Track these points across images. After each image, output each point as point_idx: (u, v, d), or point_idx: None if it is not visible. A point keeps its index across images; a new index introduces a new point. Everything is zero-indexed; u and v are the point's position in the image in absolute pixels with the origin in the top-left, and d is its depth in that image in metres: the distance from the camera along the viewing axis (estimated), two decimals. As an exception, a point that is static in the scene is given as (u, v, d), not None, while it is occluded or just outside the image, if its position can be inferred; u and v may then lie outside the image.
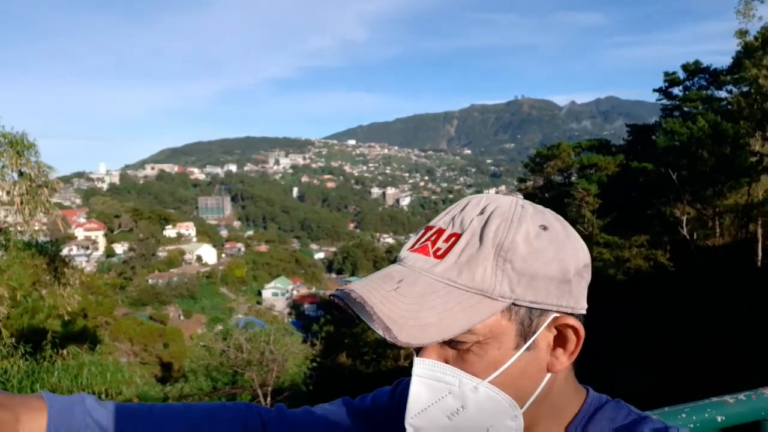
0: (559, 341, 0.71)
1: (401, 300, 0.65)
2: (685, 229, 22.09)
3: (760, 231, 19.77)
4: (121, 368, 9.81)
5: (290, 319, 53.53)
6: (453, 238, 0.69)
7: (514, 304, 0.66)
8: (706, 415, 0.96)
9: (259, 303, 68.11)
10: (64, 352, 9.10)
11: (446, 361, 0.67)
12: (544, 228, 0.69)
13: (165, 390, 16.52)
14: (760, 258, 19.25)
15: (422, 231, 0.74)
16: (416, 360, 0.68)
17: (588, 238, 24.86)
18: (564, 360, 0.71)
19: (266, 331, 17.18)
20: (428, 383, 0.67)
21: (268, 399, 15.44)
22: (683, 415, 0.95)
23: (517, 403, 0.68)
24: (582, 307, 0.71)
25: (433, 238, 0.71)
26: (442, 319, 0.63)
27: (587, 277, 0.73)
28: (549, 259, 0.67)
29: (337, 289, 0.70)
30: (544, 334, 0.69)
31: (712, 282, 18.61)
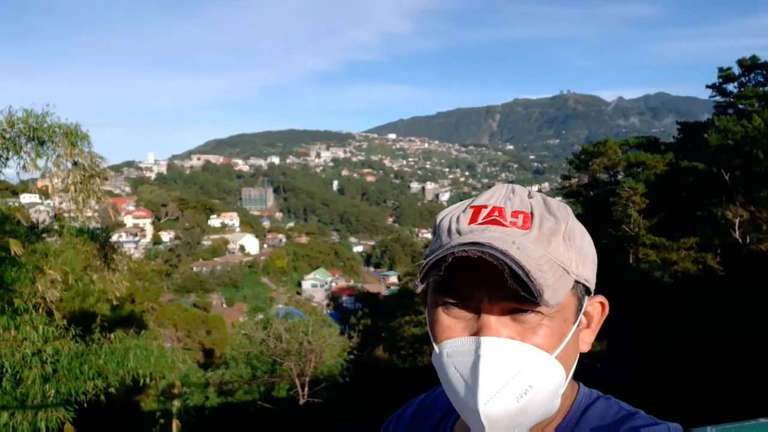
0: (586, 322, 0.74)
1: (529, 260, 0.64)
2: (737, 232, 21.19)
3: (819, 236, 18.81)
4: (165, 353, 10.08)
5: (328, 311, 54.09)
6: (521, 215, 0.70)
7: (576, 280, 0.69)
8: None
9: (298, 293, 69.08)
10: (111, 335, 9.40)
11: (512, 338, 0.66)
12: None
13: (206, 376, 16.95)
14: (818, 264, 18.32)
15: (470, 209, 0.73)
16: (486, 340, 0.65)
17: (634, 239, 24.17)
18: (588, 339, 0.75)
19: (305, 321, 17.41)
20: (497, 362, 0.65)
21: (306, 389, 15.66)
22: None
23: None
24: None
25: (496, 214, 0.71)
26: (555, 284, 0.64)
27: None
28: (589, 241, 0.73)
29: (458, 244, 0.66)
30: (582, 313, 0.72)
31: (766, 288, 17.83)
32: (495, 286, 0.65)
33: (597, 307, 0.75)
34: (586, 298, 0.73)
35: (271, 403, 15.18)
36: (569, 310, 0.69)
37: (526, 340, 0.66)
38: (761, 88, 25.85)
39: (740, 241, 21.20)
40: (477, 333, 0.67)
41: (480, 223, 0.70)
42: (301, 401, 15.41)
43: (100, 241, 11.23)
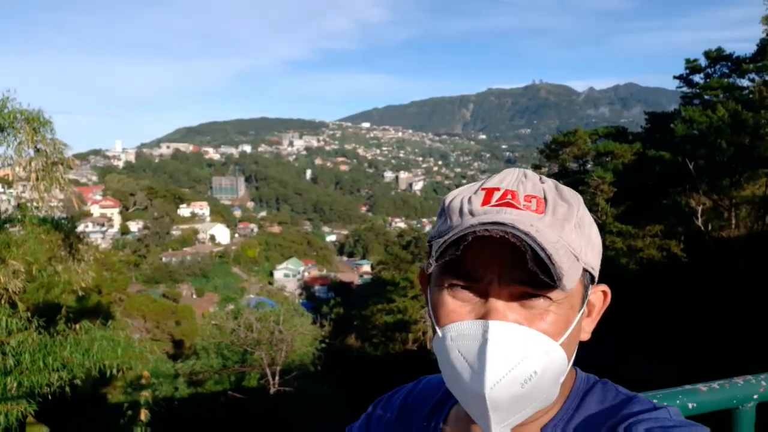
0: (587, 311, 0.74)
1: (549, 244, 0.63)
2: (700, 219, 21.81)
3: (777, 223, 19.47)
4: (132, 344, 9.94)
5: (301, 300, 53.93)
6: (534, 199, 0.69)
7: (584, 268, 0.69)
8: (678, 401, 0.96)
9: (270, 283, 68.65)
10: (77, 326, 9.23)
11: (519, 323, 0.66)
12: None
13: (176, 367, 16.77)
14: (776, 251, 18.97)
15: (482, 191, 0.71)
16: (493, 323, 0.64)
17: (601, 227, 24.65)
18: (588, 328, 0.74)
19: (276, 311, 17.34)
20: (504, 347, 0.64)
21: (277, 378, 15.63)
22: (654, 401, 0.96)
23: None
24: None
25: (509, 197, 0.69)
26: (569, 269, 0.64)
27: None
28: (597, 230, 0.73)
29: (480, 223, 0.65)
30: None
31: (726, 274, 18.40)
32: (506, 269, 0.65)
33: (599, 296, 0.75)
34: (591, 286, 0.73)
35: (242, 393, 15.12)
36: (576, 297, 0.68)
37: (534, 325, 0.65)
38: (726, 80, 26.47)
39: (703, 228, 21.82)
40: (484, 317, 0.66)
41: (494, 205, 0.69)
42: (272, 390, 15.38)
43: (65, 231, 10.97)
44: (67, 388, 8.51)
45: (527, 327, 0.65)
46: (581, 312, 0.70)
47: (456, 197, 0.73)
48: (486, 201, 0.69)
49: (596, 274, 0.72)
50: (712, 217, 23.24)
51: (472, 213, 0.69)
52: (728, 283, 17.80)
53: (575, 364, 0.75)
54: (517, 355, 0.64)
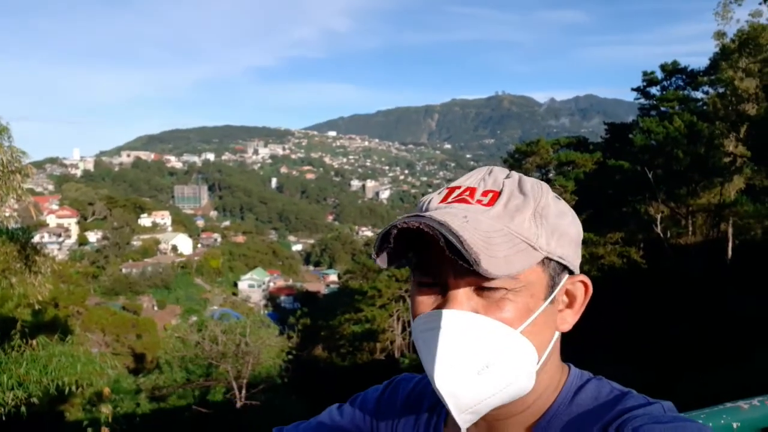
0: (568, 302, 0.75)
1: (476, 231, 0.65)
2: (659, 227, 22.47)
3: (730, 230, 20.19)
4: (92, 359, 9.61)
5: (266, 311, 53.22)
6: (491, 193, 0.72)
7: (547, 257, 0.70)
8: (722, 421, 0.96)
9: (235, 294, 67.53)
10: (34, 342, 8.88)
11: (476, 312, 0.67)
12: (558, 198, 0.76)
13: (138, 381, 16.27)
14: (730, 257, 19.68)
15: (445, 190, 0.75)
16: (446, 312, 0.66)
17: (564, 235, 25.17)
18: (570, 319, 0.74)
19: (242, 323, 17.03)
20: (461, 336, 0.66)
21: (243, 391, 15.33)
22: (699, 422, 0.96)
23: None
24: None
25: (467, 193, 0.73)
26: (507, 256, 0.65)
27: None
28: (569, 221, 0.73)
29: (404, 216, 0.68)
30: (561, 291, 0.73)
31: (684, 280, 18.99)
32: (459, 263, 0.66)
33: (579, 287, 0.75)
34: (565, 276, 0.73)
35: (207, 408, 14.76)
36: (537, 286, 0.69)
37: (490, 314, 0.67)
38: (682, 92, 27.49)
39: (662, 235, 22.49)
40: (442, 306, 0.68)
41: (450, 202, 0.72)
42: (239, 404, 15.07)
43: (21, 242, 10.61)
44: (23, 408, 8.15)
45: (482, 315, 0.67)
46: (549, 301, 0.70)
47: (425, 197, 0.78)
48: (444, 198, 0.73)
49: (570, 263, 0.73)
50: (671, 224, 23.98)
51: (427, 210, 0.73)
52: (685, 288, 18.38)
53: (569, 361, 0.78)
54: (471, 342, 0.65)
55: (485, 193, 0.72)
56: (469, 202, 0.71)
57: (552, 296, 0.71)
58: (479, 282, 0.66)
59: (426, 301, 0.71)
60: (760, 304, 14.46)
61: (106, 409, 10.62)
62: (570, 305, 0.75)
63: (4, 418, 7.78)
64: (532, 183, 0.73)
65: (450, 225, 0.64)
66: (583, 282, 0.75)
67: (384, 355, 25.23)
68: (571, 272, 0.74)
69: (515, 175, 0.75)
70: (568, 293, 0.74)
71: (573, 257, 0.73)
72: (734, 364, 11.89)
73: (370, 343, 26.49)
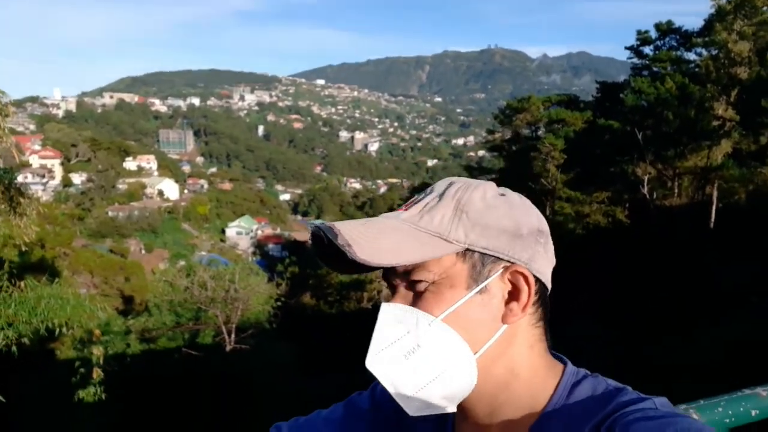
0: (514, 295, 0.75)
1: (367, 230, 0.72)
2: (645, 188, 22.72)
3: (715, 194, 20.50)
4: (82, 301, 9.67)
5: (254, 259, 53.55)
6: (420, 202, 0.78)
7: (468, 249, 0.73)
8: (741, 408, 0.96)
9: (222, 241, 67.65)
10: (22, 283, 8.89)
11: (409, 304, 0.74)
12: (502, 194, 0.78)
13: (127, 323, 16.47)
14: (713, 220, 20.06)
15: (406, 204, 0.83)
16: (383, 305, 0.75)
17: (551, 193, 25.37)
18: (518, 312, 0.74)
19: (231, 269, 17.16)
20: (389, 324, 0.74)
21: (232, 336, 15.63)
22: (719, 409, 0.96)
23: (471, 348, 0.72)
24: (539, 270, 0.76)
25: (411, 204, 0.80)
26: (398, 247, 0.71)
27: (544, 243, 0.77)
28: (501, 214, 0.75)
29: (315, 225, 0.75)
30: (497, 283, 0.74)
31: (667, 240, 19.38)
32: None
33: (517, 277, 0.74)
34: (498, 267, 0.74)
35: (197, 350, 15.05)
36: (456, 276, 0.73)
37: (415, 305, 0.73)
38: (674, 53, 27.22)
39: (647, 196, 22.78)
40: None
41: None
42: (228, 348, 15.39)
43: (5, 183, 10.42)
44: (14, 348, 8.25)
45: (405, 305, 0.74)
46: (474, 291, 0.72)
47: None
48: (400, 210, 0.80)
49: (503, 254, 0.73)
50: (657, 186, 24.25)
51: None
52: (668, 249, 18.78)
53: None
54: (398, 329, 0.73)
55: (417, 202, 0.78)
56: (402, 210, 0.78)
57: (480, 287, 0.73)
58: (408, 278, 0.74)
59: (388, 299, 0.79)
60: (739, 268, 14.86)
61: (97, 351, 10.80)
62: (516, 298, 0.74)
63: (-4, 356, 7.88)
64: (459, 185, 0.77)
65: (332, 225, 0.71)
66: (521, 273, 0.74)
67: (371, 304, 25.70)
68: (511, 263, 0.74)
69: (460, 181, 0.79)
70: (513, 286, 0.75)
71: (506, 248, 0.73)
72: (708, 329, 12.29)
73: (357, 293, 26.92)
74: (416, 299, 0.73)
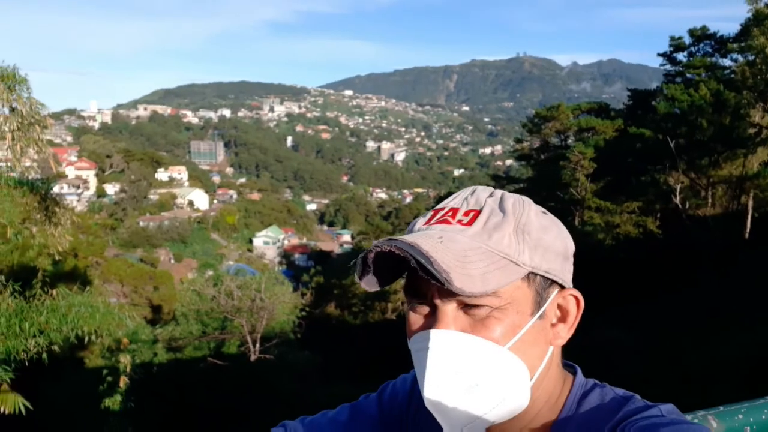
0: (562, 317, 0.75)
1: (449, 251, 0.66)
2: (677, 197, 22.16)
3: (751, 203, 19.87)
4: (111, 310, 9.82)
5: (280, 269, 53.96)
6: (472, 213, 0.73)
7: (532, 272, 0.70)
8: (763, 416, 0.94)
9: (249, 251, 68.43)
10: (54, 291, 9.08)
11: (464, 331, 0.68)
12: (544, 212, 0.76)
13: (155, 332, 16.70)
14: (748, 230, 19.42)
15: (431, 212, 0.77)
16: (434, 332, 0.68)
17: (580, 202, 24.93)
18: (564, 334, 0.75)
19: (257, 279, 17.28)
20: (446, 353, 0.67)
21: (257, 345, 15.68)
22: (740, 416, 0.93)
23: (530, 373, 0.70)
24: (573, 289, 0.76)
25: (450, 214, 0.74)
26: (484, 274, 0.66)
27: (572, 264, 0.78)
28: (555, 235, 0.73)
29: (378, 241, 0.69)
30: (551, 306, 0.73)
31: (700, 251, 18.82)
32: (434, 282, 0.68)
33: (570, 301, 0.75)
34: (554, 290, 0.73)
35: (222, 360, 15.15)
36: (523, 301, 0.70)
37: (477, 332, 0.68)
38: (709, 59, 26.63)
39: (680, 206, 22.20)
40: (431, 327, 0.70)
41: (433, 223, 0.74)
42: (252, 357, 15.44)
43: (41, 193, 10.70)
44: (44, 354, 8.42)
45: (468, 334, 0.68)
46: (537, 316, 0.71)
47: (413, 220, 0.80)
48: (429, 220, 0.75)
49: (559, 278, 0.73)
50: (690, 195, 23.64)
51: (411, 232, 0.76)
52: (701, 261, 18.24)
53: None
54: (458, 360, 0.67)
55: (467, 213, 0.73)
56: (449, 223, 0.72)
57: (540, 312, 0.71)
58: (463, 301, 0.68)
59: (417, 321, 0.73)
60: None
61: (124, 359, 10.96)
62: (563, 320, 0.75)
63: (27, 363, 8.04)
64: (513, 200, 0.74)
65: (420, 246, 0.65)
66: (574, 296, 0.75)
67: (395, 315, 25.58)
68: (562, 286, 0.74)
69: (498, 193, 0.76)
70: (560, 307, 0.75)
71: (561, 271, 0.73)
72: (739, 335, 11.88)
73: (382, 303, 26.82)
74: (476, 325, 0.68)
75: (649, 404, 0.71)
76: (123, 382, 10.25)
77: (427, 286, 0.69)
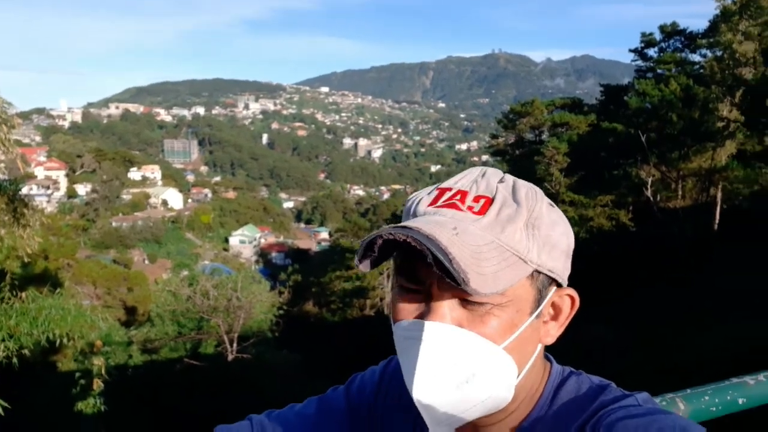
0: (553, 314, 0.73)
1: (465, 246, 0.63)
2: (649, 190, 22.57)
3: (719, 195, 20.33)
4: (83, 312, 9.62)
5: (258, 267, 53.55)
6: (483, 199, 0.69)
7: (537, 270, 0.67)
8: (728, 397, 0.96)
9: (225, 250, 67.75)
10: (23, 294, 8.86)
11: (460, 325, 0.65)
12: (552, 205, 0.72)
13: (129, 334, 16.43)
14: (717, 221, 19.88)
15: (435, 191, 0.72)
16: (428, 324, 0.64)
17: (554, 197, 25.21)
18: (554, 332, 0.73)
19: (233, 278, 17.13)
20: (442, 349, 0.64)
21: (234, 345, 15.55)
22: (706, 398, 0.94)
23: (518, 371, 0.69)
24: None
25: (458, 197, 0.70)
26: (496, 272, 0.63)
27: None
28: (561, 231, 0.70)
29: (391, 226, 0.65)
30: (547, 305, 0.71)
31: (673, 244, 19.22)
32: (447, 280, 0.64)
33: (566, 300, 0.73)
34: (553, 289, 0.71)
35: (199, 360, 14.99)
36: (524, 300, 0.67)
37: (473, 328, 0.65)
38: (679, 54, 27.14)
39: (651, 199, 22.62)
40: (423, 316, 0.67)
41: (438, 206, 0.69)
42: (230, 357, 15.31)
43: (9, 195, 10.44)
44: (15, 359, 8.22)
45: (465, 329, 0.65)
46: (534, 315, 0.68)
47: (413, 197, 0.75)
48: (434, 201, 0.70)
49: (559, 276, 0.70)
50: (661, 188, 24.10)
51: (415, 214, 0.71)
52: (671, 252, 18.62)
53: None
54: (451, 356, 0.64)
55: (477, 199, 0.69)
56: (459, 208, 0.68)
57: (538, 311, 0.69)
58: (464, 294, 0.64)
59: (407, 308, 0.69)
60: (744, 269, 14.71)
61: (98, 362, 10.75)
62: (555, 318, 0.73)
63: (-4, 368, 7.84)
64: (526, 190, 0.70)
65: (439, 240, 0.61)
66: (570, 296, 0.73)
67: (374, 311, 25.60)
68: (559, 284, 0.72)
69: (509, 179, 0.72)
70: (554, 306, 0.73)
71: (562, 269, 0.71)
72: (713, 329, 12.15)
73: (360, 300, 26.82)
74: (473, 320, 0.65)
75: (625, 393, 0.70)
76: (96, 384, 10.04)
77: (426, 273, 0.65)
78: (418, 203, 0.72)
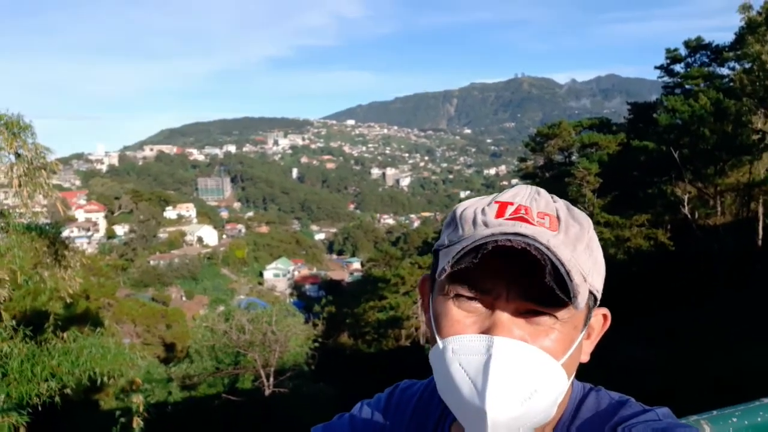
0: (587, 333, 0.73)
1: (565, 260, 0.63)
2: (686, 207, 22.02)
3: (761, 209, 19.70)
4: (123, 350, 9.80)
5: (292, 300, 53.75)
6: (547, 217, 0.68)
7: (589, 290, 0.68)
8: (759, 419, 0.93)
9: (260, 284, 68.32)
10: (65, 334, 9.08)
11: (524, 340, 0.65)
12: None
13: (168, 371, 16.60)
14: (761, 236, 19.21)
15: (495, 204, 0.70)
16: (499, 339, 0.63)
17: (589, 218, 24.81)
18: (588, 350, 0.74)
19: (268, 312, 17.22)
20: (513, 365, 0.63)
21: (271, 379, 15.55)
22: (734, 419, 0.92)
23: None
24: None
25: (522, 212, 0.69)
26: (580, 286, 0.63)
27: None
28: (601, 252, 0.72)
29: (500, 234, 0.64)
30: (590, 323, 0.72)
31: (713, 261, 18.61)
32: (515, 283, 0.64)
33: (599, 319, 0.75)
34: (594, 309, 0.72)
35: (236, 395, 15.02)
36: (579, 318, 0.68)
37: (537, 343, 0.65)
38: (706, 68, 26.73)
39: (689, 216, 22.03)
40: (488, 330, 0.65)
41: (508, 219, 0.68)
42: (267, 391, 15.29)
43: (50, 238, 10.78)
44: (57, 398, 8.38)
45: (532, 345, 0.64)
46: (583, 333, 0.70)
47: (468, 207, 0.72)
48: (500, 214, 0.68)
49: (599, 297, 0.72)
50: (698, 205, 23.49)
51: (486, 224, 0.68)
52: (715, 270, 18.01)
53: None
54: (520, 373, 0.63)
55: (541, 215, 0.68)
56: (531, 223, 0.67)
57: (585, 328, 0.70)
58: (530, 306, 0.64)
59: (464, 320, 0.67)
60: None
61: (137, 399, 10.86)
62: (588, 336, 0.74)
63: (40, 408, 8.00)
64: (580, 213, 0.72)
65: (559, 254, 0.62)
66: (603, 314, 0.75)
67: (409, 341, 25.32)
68: (596, 304, 0.73)
69: (561, 200, 0.73)
70: (588, 325, 0.73)
71: (600, 289, 0.72)
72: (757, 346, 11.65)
73: (395, 330, 26.58)
74: (536, 335, 0.65)
75: (645, 408, 0.70)
76: (136, 423, 10.13)
77: (494, 282, 0.64)
78: (483, 212, 0.70)
